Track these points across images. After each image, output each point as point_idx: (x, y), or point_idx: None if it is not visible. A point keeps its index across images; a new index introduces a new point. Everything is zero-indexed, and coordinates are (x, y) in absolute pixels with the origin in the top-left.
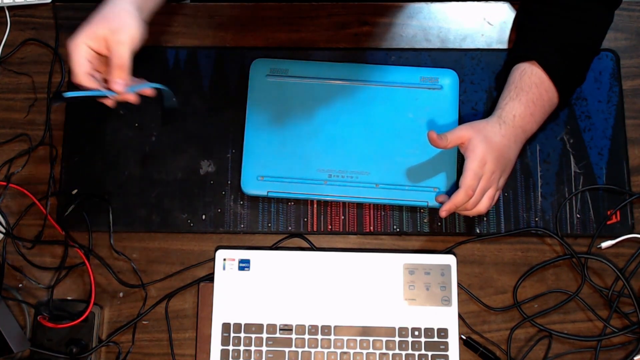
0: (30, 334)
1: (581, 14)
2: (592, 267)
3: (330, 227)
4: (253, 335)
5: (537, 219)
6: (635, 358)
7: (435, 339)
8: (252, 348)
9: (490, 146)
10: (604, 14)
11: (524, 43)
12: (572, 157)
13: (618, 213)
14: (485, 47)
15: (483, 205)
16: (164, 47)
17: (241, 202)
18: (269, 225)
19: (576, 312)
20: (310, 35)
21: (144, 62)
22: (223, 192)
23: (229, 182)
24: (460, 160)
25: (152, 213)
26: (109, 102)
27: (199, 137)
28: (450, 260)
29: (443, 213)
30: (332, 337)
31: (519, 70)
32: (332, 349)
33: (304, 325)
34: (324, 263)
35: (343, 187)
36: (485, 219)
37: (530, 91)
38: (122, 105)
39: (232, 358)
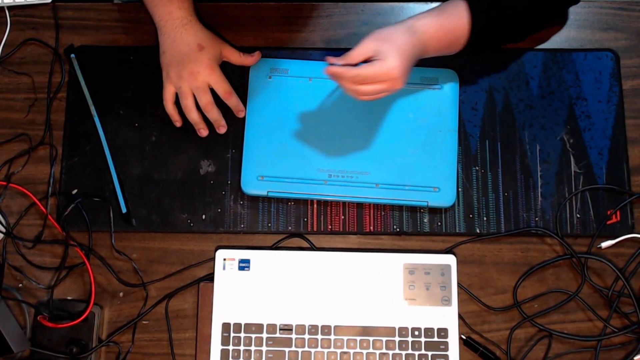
0: (30, 334)
1: None
2: (592, 267)
3: (330, 227)
4: (253, 335)
5: (537, 219)
6: (635, 358)
7: (435, 339)
8: (252, 348)
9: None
10: None
11: None
12: (572, 157)
13: (618, 213)
14: None
15: (364, 89)
16: None
17: (241, 202)
18: (269, 225)
19: (576, 312)
20: (310, 35)
21: (145, 63)
22: (223, 192)
23: (229, 182)
24: (461, 160)
25: (152, 213)
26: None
27: (199, 137)
28: (450, 260)
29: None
30: (332, 337)
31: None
32: (332, 349)
33: (304, 325)
34: (324, 263)
35: (343, 187)
36: (485, 219)
37: (449, 17)
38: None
39: (232, 358)
